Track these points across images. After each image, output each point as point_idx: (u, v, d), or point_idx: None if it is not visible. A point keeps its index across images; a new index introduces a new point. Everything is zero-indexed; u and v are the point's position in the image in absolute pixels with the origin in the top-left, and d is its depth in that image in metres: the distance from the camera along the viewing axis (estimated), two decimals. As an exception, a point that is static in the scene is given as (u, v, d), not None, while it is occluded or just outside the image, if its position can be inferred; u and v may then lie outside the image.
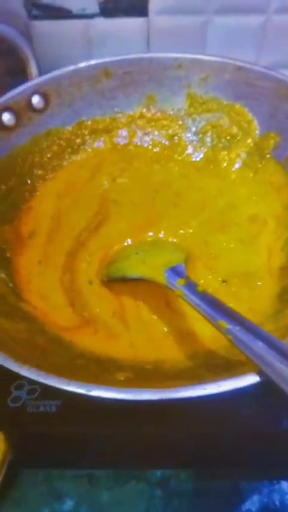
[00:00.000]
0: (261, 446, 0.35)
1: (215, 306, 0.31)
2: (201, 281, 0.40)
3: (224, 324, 0.29)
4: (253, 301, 0.39)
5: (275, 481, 0.36)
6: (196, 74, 0.49)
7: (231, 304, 0.37)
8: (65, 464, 0.37)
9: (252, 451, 0.35)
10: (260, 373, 0.25)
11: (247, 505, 0.35)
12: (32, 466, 0.36)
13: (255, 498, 0.35)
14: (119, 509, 0.35)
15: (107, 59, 0.49)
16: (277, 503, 0.35)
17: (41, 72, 0.62)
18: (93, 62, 0.49)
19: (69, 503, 0.35)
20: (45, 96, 0.48)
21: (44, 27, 0.57)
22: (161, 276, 0.36)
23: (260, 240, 0.43)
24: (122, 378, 0.30)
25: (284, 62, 0.60)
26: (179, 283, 0.35)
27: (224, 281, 0.40)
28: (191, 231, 0.44)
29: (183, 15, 0.56)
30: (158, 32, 0.57)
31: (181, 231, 0.44)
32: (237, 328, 0.28)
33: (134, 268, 0.38)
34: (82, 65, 0.48)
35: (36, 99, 0.47)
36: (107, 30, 0.57)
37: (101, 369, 0.32)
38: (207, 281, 0.40)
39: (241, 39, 0.59)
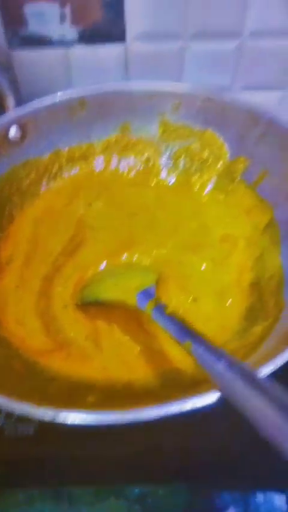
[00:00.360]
0: (232, 460, 0.35)
1: (181, 328, 0.32)
2: (173, 301, 0.41)
3: (190, 344, 0.30)
4: (223, 319, 0.40)
5: (250, 493, 0.36)
6: (168, 103, 0.51)
7: (202, 322, 0.39)
8: (45, 484, 0.37)
9: (225, 464, 0.36)
10: (219, 392, 0.26)
11: (224, 517, 0.36)
12: (11, 486, 0.36)
13: (231, 510, 0.36)
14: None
15: (82, 91, 0.51)
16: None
17: (21, 101, 0.64)
18: (69, 94, 0.51)
19: (49, 522, 0.36)
20: (22, 128, 0.49)
21: (24, 56, 0.59)
22: (132, 299, 0.37)
23: (231, 259, 0.45)
24: (92, 400, 0.31)
25: (259, 84, 0.62)
26: (149, 305, 0.36)
27: (194, 300, 0.42)
28: (165, 252, 0.46)
29: (160, 41, 0.57)
30: (136, 57, 0.59)
31: (155, 252, 0.46)
32: (202, 348, 0.29)
33: (107, 292, 0.39)
34: (58, 96, 0.50)
35: (13, 131, 0.49)
36: (86, 56, 0.59)
37: (73, 392, 0.33)
38: (179, 301, 0.41)
39: (218, 63, 0.61)
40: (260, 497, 0.36)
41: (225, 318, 0.40)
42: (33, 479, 0.37)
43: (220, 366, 0.27)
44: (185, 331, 0.32)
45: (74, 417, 0.25)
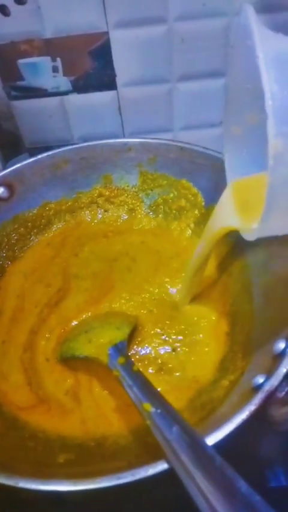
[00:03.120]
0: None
1: (144, 387, 0.34)
2: (151, 347, 0.43)
3: (148, 406, 0.32)
4: (198, 369, 0.42)
5: None
6: (145, 155, 0.54)
7: (178, 373, 0.41)
8: None
9: None
10: (167, 460, 0.27)
11: None
12: None
13: None
14: None
15: (64, 149, 0.54)
16: None
17: (22, 147, 0.68)
18: (52, 152, 0.54)
19: None
20: (9, 187, 0.53)
21: (23, 105, 0.63)
22: (104, 355, 0.39)
23: (209, 305, 0.46)
24: (62, 461, 0.33)
25: None
26: (119, 361, 0.38)
27: (173, 350, 0.43)
28: (142, 296, 0.48)
29: (148, 85, 0.61)
30: (128, 101, 0.63)
31: (133, 297, 0.48)
32: (159, 411, 0.31)
33: (81, 348, 0.41)
34: (42, 156, 0.54)
35: (1, 190, 0.52)
36: (81, 103, 0.63)
37: (46, 451, 0.35)
38: (156, 351, 0.43)
39: (205, 101, 0.64)
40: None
41: (200, 368, 0.42)
42: None
43: (172, 433, 0.28)
44: (147, 391, 0.33)
45: (31, 486, 0.27)
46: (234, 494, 0.24)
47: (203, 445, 0.27)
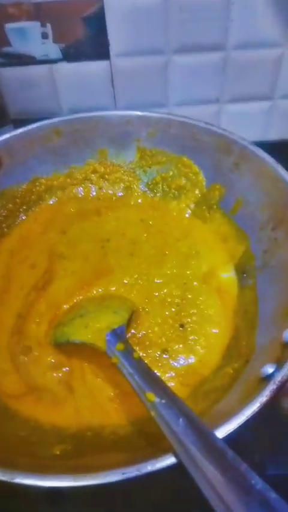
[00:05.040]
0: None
1: (146, 376, 0.32)
2: (156, 329, 0.41)
3: (152, 396, 0.30)
4: (205, 352, 0.40)
5: None
6: (144, 130, 0.51)
7: (184, 354, 0.39)
8: None
9: None
10: (175, 454, 0.26)
11: None
12: None
13: None
14: None
15: (56, 120, 0.51)
16: None
17: (7, 118, 0.64)
18: (43, 123, 0.50)
19: None
20: (-4, 159, 0.49)
21: (9, 73, 0.59)
22: (101, 341, 0.37)
23: (215, 285, 0.45)
24: (58, 452, 0.31)
25: (245, 95, 0.62)
26: (118, 347, 0.35)
27: (181, 326, 0.41)
28: (148, 282, 0.45)
29: (143, 56, 0.57)
30: (121, 73, 0.59)
31: (139, 283, 0.45)
32: (163, 401, 0.29)
33: (77, 333, 0.38)
34: (32, 126, 0.50)
35: (-13, 163, 0.49)
36: (71, 73, 0.59)
37: (41, 442, 0.33)
38: (166, 327, 0.41)
39: (203, 76, 0.61)
40: None
41: (208, 352, 0.40)
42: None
43: (179, 425, 0.27)
44: (149, 380, 0.31)
45: (28, 481, 0.25)
46: (249, 491, 0.22)
47: (213, 438, 0.25)
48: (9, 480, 0.26)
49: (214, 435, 0.26)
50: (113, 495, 0.34)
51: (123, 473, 0.25)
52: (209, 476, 0.23)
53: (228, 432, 0.26)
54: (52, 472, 0.26)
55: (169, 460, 0.26)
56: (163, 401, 0.29)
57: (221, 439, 0.25)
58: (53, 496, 0.31)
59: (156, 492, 0.34)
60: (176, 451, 0.25)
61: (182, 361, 0.39)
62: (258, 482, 0.22)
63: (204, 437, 0.25)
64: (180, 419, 0.27)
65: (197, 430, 0.26)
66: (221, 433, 0.26)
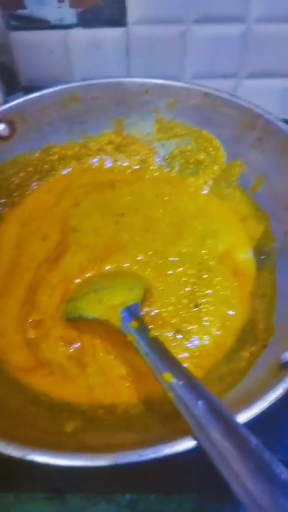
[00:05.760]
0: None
1: (162, 355, 0.31)
2: (170, 308, 0.40)
3: (169, 376, 0.29)
4: (220, 333, 0.39)
5: (241, 506, 0.36)
6: (163, 100, 0.49)
7: (199, 335, 0.38)
8: (36, 488, 0.37)
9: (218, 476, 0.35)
10: (195, 438, 0.25)
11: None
12: (2, 489, 0.36)
13: None
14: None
15: (73, 85, 0.48)
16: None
17: (18, 84, 0.61)
18: (59, 87, 0.48)
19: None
20: (10, 124, 0.47)
21: (22, 37, 0.56)
22: (116, 317, 0.36)
23: (232, 267, 0.43)
24: (70, 429, 0.30)
25: (265, 71, 0.59)
26: (132, 325, 0.34)
27: (196, 306, 0.40)
28: (162, 260, 0.44)
29: (162, 25, 0.54)
30: (137, 41, 0.56)
31: (152, 260, 0.43)
32: (181, 383, 0.28)
33: (91, 309, 0.37)
34: (48, 90, 0.48)
35: (1, 127, 0.47)
36: (86, 40, 0.56)
37: (52, 418, 0.32)
38: (180, 307, 0.40)
39: (221, 49, 0.58)
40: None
41: (223, 334, 0.39)
42: (24, 483, 0.37)
43: (198, 408, 0.26)
44: (166, 360, 0.30)
45: (42, 459, 0.25)
46: (273, 480, 0.22)
47: (236, 424, 0.25)
48: (22, 457, 0.25)
49: (236, 421, 0.25)
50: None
51: (140, 455, 0.25)
52: (232, 464, 0.22)
53: (250, 418, 0.25)
54: (66, 451, 0.25)
55: (189, 443, 0.25)
56: (180, 382, 0.28)
57: (243, 425, 0.25)
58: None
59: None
60: (196, 434, 0.25)
61: (196, 342, 0.38)
62: (283, 471, 0.22)
63: (226, 423, 0.25)
64: (199, 402, 0.26)
65: (218, 414, 0.25)
66: (242, 418, 0.26)
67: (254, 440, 0.23)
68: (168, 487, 0.37)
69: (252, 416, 0.26)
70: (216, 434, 0.24)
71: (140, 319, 0.35)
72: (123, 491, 0.36)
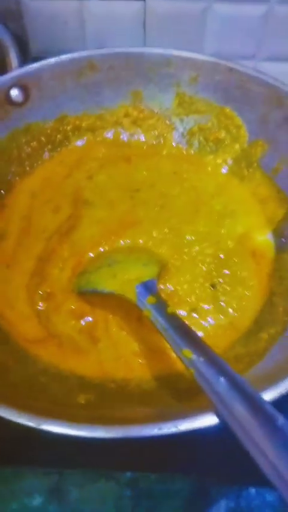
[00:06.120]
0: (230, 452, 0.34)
1: (182, 332, 0.30)
2: (185, 286, 0.39)
3: (189, 353, 0.28)
4: (237, 314, 0.38)
5: (243, 487, 0.35)
6: (186, 73, 0.47)
7: (215, 315, 0.37)
8: (34, 462, 0.36)
9: (221, 457, 0.35)
10: (218, 414, 0.24)
11: (214, 508, 0.35)
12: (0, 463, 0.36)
13: (223, 502, 0.35)
14: (88, 507, 0.35)
15: (91, 52, 0.47)
16: (243, 508, 0.35)
17: (28, 55, 0.59)
18: (76, 54, 0.46)
19: (38, 499, 0.35)
20: (24, 89, 0.45)
21: (35, 5, 0.54)
22: (131, 292, 0.34)
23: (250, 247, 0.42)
24: (82, 401, 0.29)
25: (284, 55, 0.57)
26: (149, 300, 0.33)
27: (212, 286, 0.39)
28: (178, 238, 0.42)
29: (181, 1, 0.52)
30: (155, 16, 0.54)
31: (168, 237, 0.42)
32: (202, 359, 0.27)
33: (105, 282, 0.36)
34: (65, 57, 0.46)
35: (15, 92, 0.45)
36: (102, 11, 0.54)
37: (63, 389, 0.31)
38: (196, 286, 0.39)
39: (241, 29, 0.56)
40: (252, 491, 0.35)
41: (239, 314, 0.38)
42: (22, 457, 0.36)
43: (220, 385, 0.25)
44: (186, 336, 0.29)
45: (56, 429, 0.24)
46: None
47: (261, 401, 0.24)
48: (36, 426, 0.24)
49: (261, 398, 0.24)
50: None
51: (159, 428, 0.24)
52: (258, 442, 0.21)
53: (276, 396, 0.24)
54: (80, 422, 0.24)
55: (211, 420, 0.24)
56: (201, 359, 0.27)
57: (268, 403, 0.23)
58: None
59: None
60: (220, 411, 0.24)
61: (211, 322, 0.37)
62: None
63: (251, 400, 0.24)
64: (221, 379, 0.25)
65: (241, 391, 0.24)
66: (267, 396, 0.24)
67: (281, 418, 0.22)
68: (169, 467, 0.36)
69: (278, 396, 0.25)
70: (241, 411, 0.23)
71: (157, 295, 0.34)
72: (124, 469, 0.36)
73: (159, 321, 0.31)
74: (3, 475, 0.35)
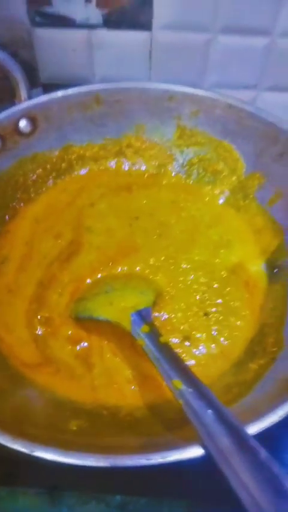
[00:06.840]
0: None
1: (173, 362, 0.31)
2: (179, 314, 0.40)
3: (179, 383, 0.29)
4: (228, 344, 0.39)
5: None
6: (187, 107, 0.49)
7: (207, 343, 0.38)
8: (29, 484, 0.37)
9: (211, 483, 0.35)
10: (203, 446, 0.25)
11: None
12: None
13: None
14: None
15: (98, 86, 0.49)
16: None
17: (37, 81, 0.61)
18: (83, 88, 0.48)
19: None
20: (33, 120, 0.48)
21: (46, 34, 0.56)
22: (126, 321, 0.36)
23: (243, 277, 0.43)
24: (74, 428, 0.30)
25: (285, 85, 0.59)
26: (143, 329, 0.34)
27: (205, 314, 0.40)
28: (174, 266, 0.44)
29: (187, 32, 0.54)
30: (161, 46, 0.56)
31: (164, 265, 0.43)
32: (190, 390, 0.28)
33: (101, 310, 0.37)
34: (72, 90, 0.48)
35: (23, 123, 0.47)
36: (110, 41, 0.57)
37: (57, 415, 0.32)
38: (190, 314, 0.40)
39: (244, 60, 0.58)
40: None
41: (230, 344, 0.39)
42: (16, 478, 0.37)
43: (207, 417, 0.26)
44: (176, 366, 0.30)
45: (48, 456, 0.25)
46: (283, 494, 0.21)
47: (245, 435, 0.24)
48: (29, 452, 0.25)
49: (246, 432, 0.25)
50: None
51: (147, 459, 0.24)
52: (241, 475, 0.22)
53: (260, 430, 0.25)
54: (71, 449, 0.25)
55: (197, 451, 0.25)
56: (190, 390, 0.28)
57: (252, 437, 0.24)
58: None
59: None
60: (205, 443, 0.24)
61: (203, 351, 0.38)
62: (291, 486, 0.21)
63: (236, 433, 0.24)
64: (209, 411, 0.26)
65: (228, 424, 0.25)
66: (252, 430, 0.25)
67: (263, 452, 0.23)
68: (159, 492, 0.37)
69: (262, 429, 0.26)
70: (225, 444, 0.24)
71: (151, 324, 0.35)
72: (114, 492, 0.36)
73: (152, 350, 0.32)
74: (-1, 495, 0.36)
